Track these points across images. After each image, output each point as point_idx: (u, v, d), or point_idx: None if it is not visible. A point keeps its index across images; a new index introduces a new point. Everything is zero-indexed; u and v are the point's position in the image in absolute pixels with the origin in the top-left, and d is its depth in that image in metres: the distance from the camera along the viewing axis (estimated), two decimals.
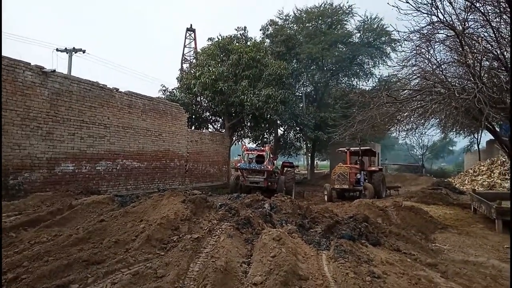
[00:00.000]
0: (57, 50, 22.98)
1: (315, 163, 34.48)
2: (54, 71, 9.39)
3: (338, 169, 13.15)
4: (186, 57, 32.07)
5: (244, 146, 15.67)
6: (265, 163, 13.59)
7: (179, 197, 4.81)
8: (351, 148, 14.22)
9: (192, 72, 20.19)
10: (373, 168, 14.09)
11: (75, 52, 23.04)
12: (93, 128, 10.47)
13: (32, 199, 6.36)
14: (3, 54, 8.15)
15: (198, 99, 20.50)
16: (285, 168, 15.48)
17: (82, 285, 2.77)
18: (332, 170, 13.98)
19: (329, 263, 3.36)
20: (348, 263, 3.28)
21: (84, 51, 23.24)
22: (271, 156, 14.41)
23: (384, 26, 23.50)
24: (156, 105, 13.54)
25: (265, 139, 22.94)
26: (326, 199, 12.79)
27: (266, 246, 3.45)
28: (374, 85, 23.07)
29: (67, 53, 22.81)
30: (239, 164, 13.94)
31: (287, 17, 25.70)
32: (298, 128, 24.28)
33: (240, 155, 14.78)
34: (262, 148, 14.75)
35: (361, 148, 14.09)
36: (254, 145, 21.65)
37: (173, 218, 4.18)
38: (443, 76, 8.71)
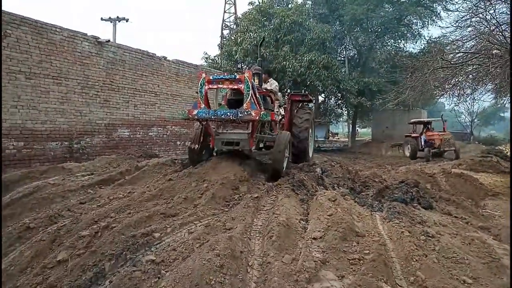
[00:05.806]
0: (101, 19, 23.65)
1: (356, 130, 33.82)
2: (109, 40, 9.86)
3: (439, 135, 15.20)
4: (226, 23, 31.83)
5: (203, 75, 5.18)
6: (245, 105, 5.05)
7: (236, 161, 5.13)
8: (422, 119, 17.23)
9: (233, 38, 20.18)
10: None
11: (119, 21, 23.56)
12: (145, 96, 11.04)
13: (99, 161, 6.98)
14: (61, 25, 8.67)
15: (239, 66, 20.59)
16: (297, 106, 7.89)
17: (163, 234, 3.13)
18: (428, 135, 15.75)
19: (384, 223, 3.53)
20: (402, 223, 3.43)
21: (127, 20, 23.74)
22: (261, 90, 6.36)
23: None
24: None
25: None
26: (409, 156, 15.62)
27: (322, 206, 3.67)
28: (422, 47, 21.74)
29: (111, 22, 23.38)
30: (195, 112, 5.08)
31: None
32: (339, 94, 23.69)
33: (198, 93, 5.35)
34: (237, 77, 5.12)
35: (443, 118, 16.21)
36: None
37: (233, 179, 4.53)
38: (502, 37, 8.17)
